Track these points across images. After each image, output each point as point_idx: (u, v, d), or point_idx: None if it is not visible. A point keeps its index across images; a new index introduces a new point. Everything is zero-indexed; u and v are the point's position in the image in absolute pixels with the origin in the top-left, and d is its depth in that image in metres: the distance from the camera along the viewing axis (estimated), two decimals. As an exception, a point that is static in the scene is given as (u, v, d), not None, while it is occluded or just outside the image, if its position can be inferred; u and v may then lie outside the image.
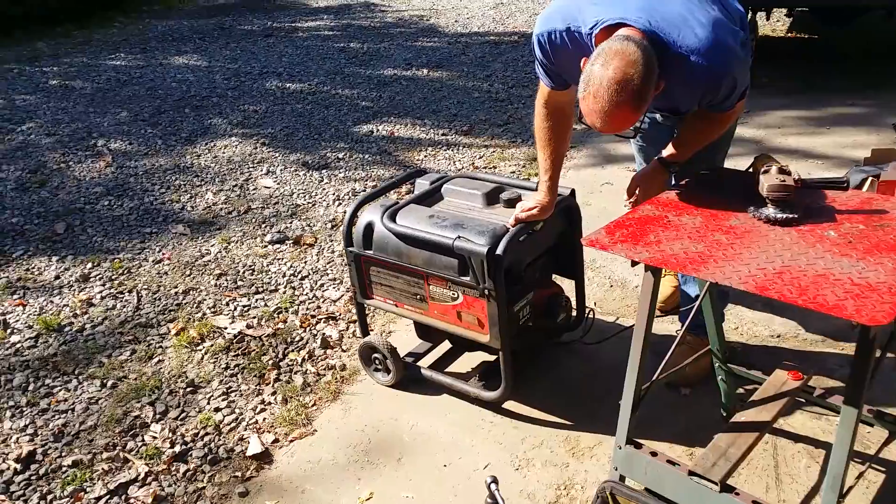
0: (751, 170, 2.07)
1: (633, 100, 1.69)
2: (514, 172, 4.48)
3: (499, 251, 2.27)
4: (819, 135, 4.54)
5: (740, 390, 2.43)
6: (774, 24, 7.06)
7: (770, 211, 1.75)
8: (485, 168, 4.58)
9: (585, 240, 1.76)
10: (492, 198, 2.61)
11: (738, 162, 4.13)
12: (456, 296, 2.44)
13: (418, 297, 2.55)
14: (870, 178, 3.45)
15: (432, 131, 5.23)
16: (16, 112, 5.69)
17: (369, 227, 2.57)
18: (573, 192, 2.61)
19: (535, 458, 2.37)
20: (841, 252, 1.60)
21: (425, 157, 4.82)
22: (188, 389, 2.82)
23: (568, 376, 2.72)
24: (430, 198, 2.69)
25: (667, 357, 2.02)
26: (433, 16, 9.06)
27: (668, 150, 2.24)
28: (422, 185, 2.78)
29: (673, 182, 2.52)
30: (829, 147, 4.34)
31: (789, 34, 6.72)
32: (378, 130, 5.29)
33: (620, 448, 1.95)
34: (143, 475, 2.43)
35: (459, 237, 2.33)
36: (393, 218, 2.52)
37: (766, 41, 6.67)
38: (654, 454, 1.90)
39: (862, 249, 1.61)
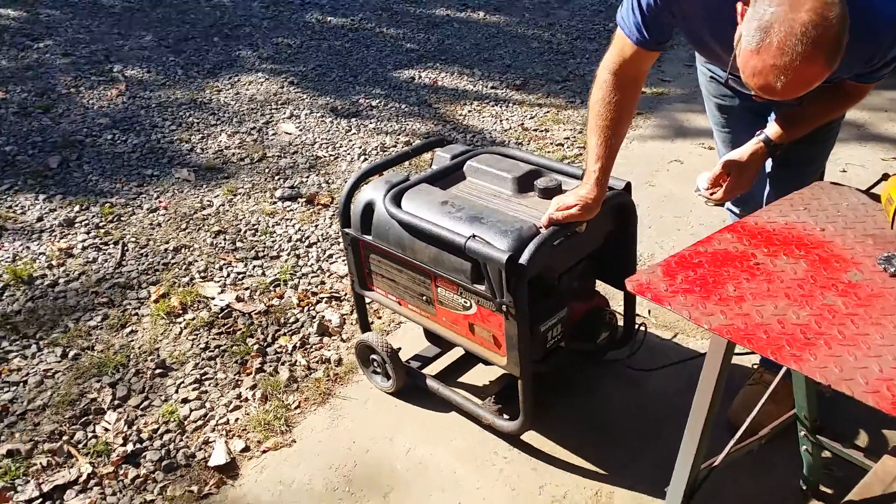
0: (876, 190, 1.52)
1: (829, 52, 1.26)
2: (567, 138, 3.92)
3: (523, 260, 1.77)
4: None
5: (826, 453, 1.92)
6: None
7: (911, 265, 1.21)
8: (535, 130, 4.03)
9: (632, 284, 1.25)
10: (524, 183, 2.10)
11: (835, 150, 3.52)
12: (469, 305, 1.96)
13: (424, 298, 2.08)
14: None
15: (481, 83, 4.66)
16: (36, 27, 5.28)
17: (369, 208, 2.09)
18: (628, 185, 2.08)
19: (551, 515, 1.92)
20: None
21: (469, 112, 4.28)
22: (157, 371, 2.43)
23: (605, 408, 2.24)
24: (449, 177, 2.19)
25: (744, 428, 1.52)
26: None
27: (775, 129, 1.77)
28: (441, 158, 2.28)
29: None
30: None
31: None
32: (420, 77, 4.75)
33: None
34: (84, 477, 2.07)
35: (474, 236, 1.83)
36: (397, 200, 2.03)
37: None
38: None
39: None
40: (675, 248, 2.93)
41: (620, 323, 2.30)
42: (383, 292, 2.21)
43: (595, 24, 5.68)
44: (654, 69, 4.79)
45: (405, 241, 1.99)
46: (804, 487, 1.91)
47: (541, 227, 1.86)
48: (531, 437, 2.13)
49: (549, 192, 2.03)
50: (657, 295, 1.20)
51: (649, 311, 2.60)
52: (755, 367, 2.29)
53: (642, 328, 2.38)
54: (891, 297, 1.18)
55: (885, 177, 1.47)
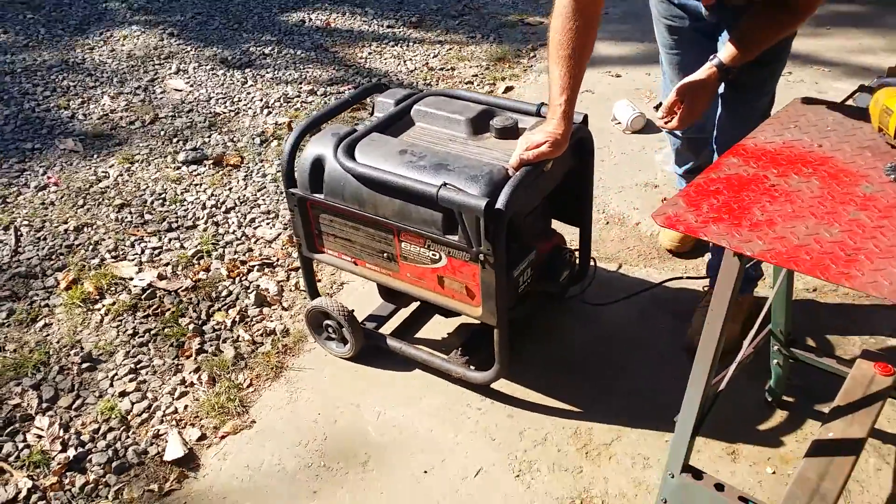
0: (852, 102, 1.52)
1: None
2: (475, 75, 3.82)
3: (500, 205, 1.69)
4: (820, 36, 4.01)
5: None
6: None
7: (921, 174, 1.22)
8: (441, 69, 3.90)
9: (660, 218, 1.19)
10: (479, 124, 2.00)
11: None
12: (438, 257, 1.86)
13: (385, 255, 1.96)
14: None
15: (375, 22, 4.46)
16: None
17: (318, 164, 1.92)
18: (586, 118, 2.02)
19: (540, 459, 1.89)
20: None
21: (370, 53, 4.08)
22: (84, 366, 2.19)
23: (569, 346, 2.22)
24: (397, 123, 2.05)
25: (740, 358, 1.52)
26: None
27: (728, 51, 1.75)
28: (384, 104, 2.13)
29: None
30: (833, 51, 3.83)
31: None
32: (311, 20, 4.48)
33: (673, 477, 1.48)
34: (24, 492, 1.84)
35: (445, 184, 1.72)
36: (350, 152, 1.88)
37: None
38: (719, 487, 1.44)
39: None
40: (602, 180, 2.92)
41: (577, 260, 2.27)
42: (335, 253, 2.06)
43: (481, -45, 5.54)
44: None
45: (364, 197, 1.85)
46: (769, 399, 1.97)
47: (510, 169, 1.77)
48: (501, 384, 2.08)
49: (507, 132, 1.94)
50: (689, 226, 1.15)
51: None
52: (705, 288, 2.33)
53: (592, 263, 2.36)
54: (911, 207, 1.18)
55: (862, 88, 1.48)
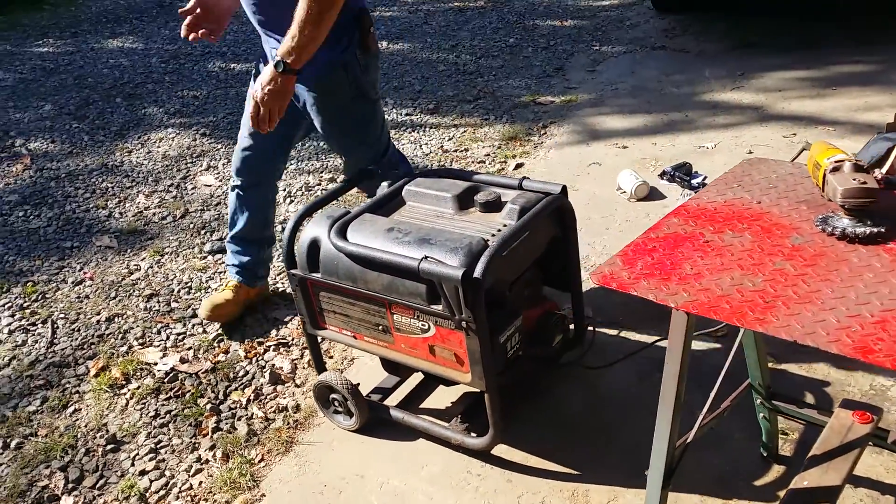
0: (798, 160, 1.60)
1: None
2: (488, 154, 3.98)
3: (477, 273, 1.79)
4: (825, 97, 4.08)
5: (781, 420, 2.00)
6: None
7: (846, 223, 1.28)
8: (455, 151, 4.08)
9: (597, 276, 1.28)
10: (465, 200, 2.12)
11: (739, 133, 3.67)
12: (427, 327, 1.96)
13: (380, 327, 2.06)
14: (896, 148, 3.02)
15: (395, 111, 4.70)
16: (-76, 109, 5.05)
17: (314, 245, 2.07)
18: (564, 189, 2.13)
19: (535, 523, 1.92)
20: (958, 282, 1.14)
21: (388, 141, 4.29)
22: (109, 447, 2.32)
23: (568, 409, 2.26)
24: (389, 204, 2.19)
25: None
26: (391, -17, 8.44)
27: (284, 45, 2.03)
28: (379, 187, 2.28)
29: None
30: (839, 111, 3.89)
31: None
32: (334, 113, 4.74)
33: (648, 532, 1.51)
34: (47, 571, 1.95)
35: (426, 257, 1.84)
36: (342, 233, 2.02)
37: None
38: (693, 541, 1.46)
39: None
40: (606, 248, 3.00)
41: (571, 325, 2.33)
42: (337, 328, 2.18)
43: (496, 41, 5.81)
44: (559, 78, 4.95)
45: (356, 273, 1.97)
46: (765, 454, 1.98)
47: (488, 239, 1.88)
48: (501, 450, 2.13)
49: (491, 206, 2.06)
50: (621, 283, 1.23)
51: (592, 311, 2.65)
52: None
53: (590, 327, 2.42)
54: (832, 255, 1.24)
55: (808, 145, 1.55)
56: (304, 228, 2.12)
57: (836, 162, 1.31)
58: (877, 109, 3.78)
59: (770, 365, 2.26)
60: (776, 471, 1.95)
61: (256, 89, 2.10)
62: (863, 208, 1.26)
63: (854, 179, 1.26)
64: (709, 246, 1.31)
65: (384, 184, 2.27)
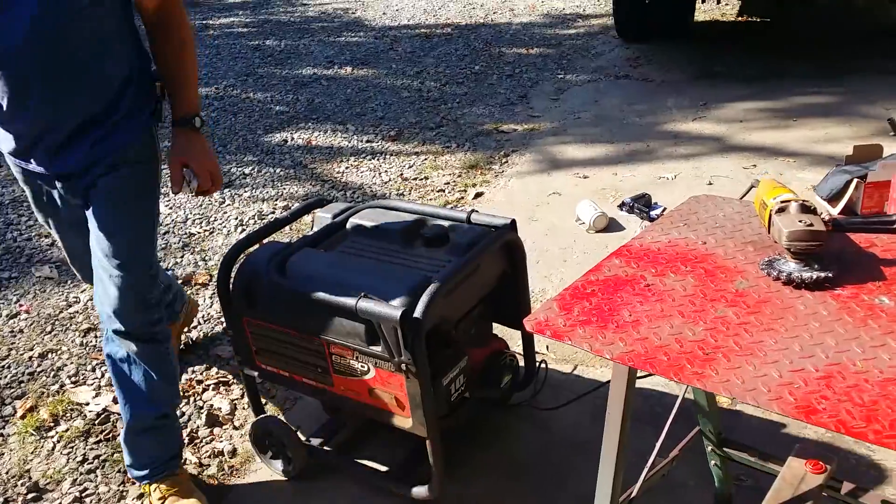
0: (747, 198, 1.53)
1: None
2: (448, 183, 3.91)
3: (417, 314, 1.69)
4: (786, 128, 4.07)
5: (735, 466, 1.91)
6: (724, 7, 6.63)
7: (792, 267, 1.21)
8: (415, 179, 4.00)
9: (531, 323, 1.18)
10: (410, 235, 2.03)
11: (699, 163, 3.64)
12: (366, 369, 1.85)
13: (319, 369, 1.95)
14: (855, 180, 3.00)
15: (355, 138, 4.61)
16: None
17: (252, 280, 1.96)
18: (513, 223, 2.04)
19: (479, 578, 1.80)
20: (908, 333, 1.07)
21: (347, 168, 4.20)
22: (30, 497, 2.16)
23: (519, 453, 2.16)
24: (332, 237, 2.09)
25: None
26: (359, 8, 8.41)
27: (191, 99, 1.87)
28: (322, 219, 2.18)
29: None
30: (799, 142, 3.87)
31: (739, 18, 6.29)
32: (293, 139, 4.65)
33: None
34: None
35: (364, 295, 1.74)
36: (281, 268, 1.92)
37: (715, 26, 6.24)
38: None
39: (938, 327, 1.08)
40: (563, 281, 2.92)
41: (521, 363, 2.24)
42: (274, 368, 2.06)
43: (462, 68, 5.78)
44: (523, 106, 4.91)
45: (294, 312, 1.87)
46: (717, 503, 1.89)
47: (432, 276, 1.79)
48: (450, 496, 2.02)
49: (435, 241, 1.97)
50: (556, 331, 1.14)
51: (547, 347, 2.56)
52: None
53: (542, 365, 2.33)
54: (777, 301, 1.16)
55: (757, 183, 1.49)
56: (241, 262, 2.01)
57: (782, 202, 1.24)
58: (837, 141, 3.78)
59: (726, 405, 2.19)
60: (731, 520, 1.86)
61: (201, 169, 1.87)
62: (810, 252, 1.19)
63: (800, 221, 1.19)
64: (649, 290, 1.23)
65: (326, 215, 2.17)
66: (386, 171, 4.13)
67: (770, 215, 1.25)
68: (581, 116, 4.59)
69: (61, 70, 1.67)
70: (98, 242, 1.84)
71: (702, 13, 6.44)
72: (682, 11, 5.82)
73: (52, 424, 2.42)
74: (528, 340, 2.22)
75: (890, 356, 1.02)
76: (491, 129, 4.58)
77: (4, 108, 1.71)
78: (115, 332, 1.88)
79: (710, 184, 3.55)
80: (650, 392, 2.30)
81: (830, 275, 1.18)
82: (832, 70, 4.80)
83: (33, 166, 1.84)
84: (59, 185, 1.89)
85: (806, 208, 1.22)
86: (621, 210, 3.38)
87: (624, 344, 1.10)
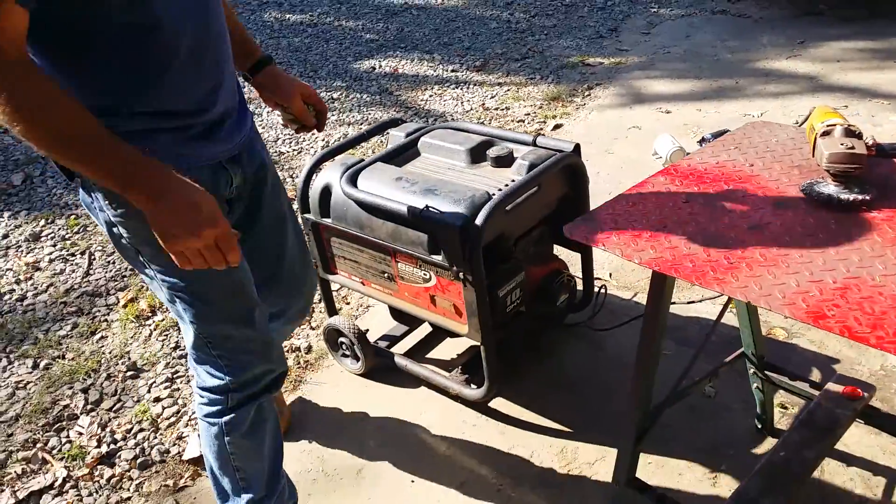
0: (803, 125, 1.55)
1: None
2: (528, 114, 3.94)
3: (476, 224, 1.80)
4: (884, 69, 3.88)
5: (782, 395, 1.97)
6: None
7: (831, 189, 1.24)
8: (496, 109, 4.05)
9: (569, 230, 1.28)
10: (477, 154, 2.12)
11: (788, 102, 3.54)
12: (428, 277, 1.98)
13: (386, 275, 2.10)
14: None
15: (441, 67, 4.68)
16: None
17: (326, 191, 2.10)
18: (577, 147, 2.10)
19: (524, 475, 1.94)
20: (935, 255, 1.10)
21: (431, 96, 4.29)
22: (129, 374, 2.44)
23: (570, 369, 2.27)
24: (403, 154, 2.20)
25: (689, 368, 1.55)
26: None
27: (256, 47, 1.60)
28: (395, 137, 2.30)
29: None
30: (893, 84, 3.70)
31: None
32: (381, 66, 4.76)
33: (617, 485, 1.52)
34: (59, 481, 2.07)
35: (428, 207, 1.85)
36: (353, 180, 2.05)
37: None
38: (661, 500, 1.46)
39: (967, 251, 1.11)
40: (637, 211, 2.95)
41: (580, 286, 2.32)
42: (346, 274, 2.22)
43: (553, 0, 5.70)
44: (612, 39, 4.84)
45: (363, 220, 2.01)
46: (759, 426, 1.95)
47: (494, 192, 1.88)
48: (499, 403, 2.16)
49: (502, 161, 2.06)
50: (592, 237, 1.23)
51: (610, 274, 2.63)
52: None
53: (602, 290, 2.41)
54: (811, 220, 1.21)
55: (815, 110, 1.50)
56: (318, 174, 2.15)
57: (828, 126, 1.27)
58: (936, 85, 3.59)
59: (782, 338, 2.22)
60: (769, 443, 1.92)
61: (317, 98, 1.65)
62: (850, 174, 1.22)
63: (842, 144, 1.22)
64: (688, 206, 1.29)
65: (399, 134, 2.28)
66: (469, 101, 4.19)
67: (815, 138, 1.28)
68: (671, 51, 4.49)
69: None
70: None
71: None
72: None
73: (149, 315, 2.68)
74: (587, 263, 2.29)
75: (911, 274, 1.06)
76: (577, 61, 4.55)
77: None
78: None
79: (797, 123, 3.45)
80: (707, 321, 2.35)
81: (868, 197, 1.21)
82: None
83: None
84: None
85: (850, 132, 1.25)
86: (700, 146, 3.33)
87: (654, 251, 1.18)
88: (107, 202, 1.30)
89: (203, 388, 1.60)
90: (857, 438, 1.89)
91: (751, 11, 4.97)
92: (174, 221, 1.16)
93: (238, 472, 1.65)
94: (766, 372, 1.74)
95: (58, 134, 1.11)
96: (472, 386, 2.13)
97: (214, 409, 1.59)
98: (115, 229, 1.35)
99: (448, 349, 2.38)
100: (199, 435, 2.17)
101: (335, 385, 2.33)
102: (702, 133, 3.45)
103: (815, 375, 2.09)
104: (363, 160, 2.15)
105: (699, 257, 1.15)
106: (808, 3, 4.89)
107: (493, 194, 1.90)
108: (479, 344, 1.97)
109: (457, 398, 2.18)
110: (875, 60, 4.01)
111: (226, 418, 1.59)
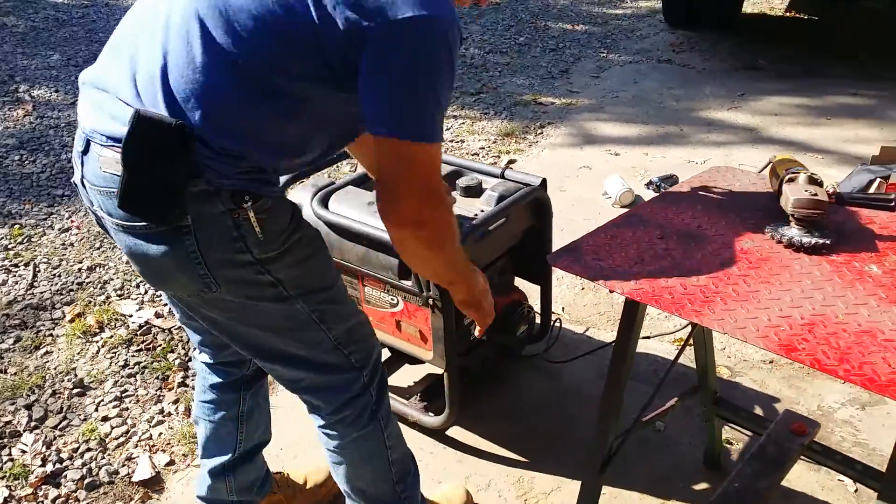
0: (763, 172, 1.65)
1: None
2: (483, 148, 4.03)
3: (447, 253, 1.83)
4: (819, 126, 4.14)
5: (727, 430, 2.05)
6: (772, 0, 6.63)
7: (794, 233, 1.33)
8: (451, 141, 4.12)
9: (551, 258, 1.33)
10: (447, 183, 2.16)
11: (729, 151, 3.72)
12: (395, 302, 2.01)
13: (351, 299, 2.10)
14: (878, 180, 3.07)
15: (397, 97, 4.73)
16: (-68, 48, 5.08)
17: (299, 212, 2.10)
18: (544, 182, 2.17)
19: None
20: (890, 297, 1.19)
21: (386, 125, 4.33)
22: (75, 391, 2.36)
23: (526, 399, 2.31)
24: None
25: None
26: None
27: None
28: (365, 162, 2.32)
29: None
30: (829, 140, 3.94)
31: (787, 13, 6.28)
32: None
33: (581, 514, 1.56)
34: (1, 500, 1.99)
35: (400, 232, 1.88)
36: (324, 202, 2.07)
37: (762, 19, 6.25)
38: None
39: (918, 294, 1.21)
40: (589, 247, 3.05)
41: (538, 319, 2.38)
42: (308, 296, 2.22)
43: (507, 38, 5.85)
44: (563, 80, 5.00)
45: (333, 242, 2.02)
46: (707, 460, 2.02)
47: (463, 220, 1.93)
48: (456, 431, 2.18)
49: (471, 191, 2.11)
50: (572, 267, 1.28)
51: (563, 308, 2.70)
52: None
53: (557, 323, 2.48)
54: (777, 261, 1.29)
55: (774, 159, 1.60)
56: (289, 194, 2.16)
57: (792, 173, 1.36)
58: (866, 142, 3.84)
59: (726, 376, 2.32)
60: (717, 477, 2.00)
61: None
62: (812, 219, 1.31)
63: (806, 191, 1.31)
64: (662, 241, 1.36)
65: (370, 160, 2.31)
66: (424, 131, 4.24)
67: (780, 184, 1.37)
68: (619, 96, 4.67)
69: None
70: None
71: (751, 5, 6.43)
72: (731, 1, 5.83)
73: (97, 331, 2.61)
74: (545, 297, 2.35)
75: (869, 313, 1.15)
76: (529, 100, 4.68)
77: None
78: None
79: (759, 170, 3.63)
80: (655, 357, 2.44)
81: (828, 242, 1.30)
82: (872, 73, 4.82)
83: None
84: None
85: (813, 180, 1.34)
86: (648, 188, 3.48)
87: (634, 282, 1.24)
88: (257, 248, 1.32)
89: (342, 407, 1.53)
90: (798, 474, 1.98)
91: (694, 62, 5.21)
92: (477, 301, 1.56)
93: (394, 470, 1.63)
94: (716, 407, 1.82)
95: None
96: (430, 414, 2.15)
97: (364, 414, 1.54)
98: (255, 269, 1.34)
99: (405, 376, 2.39)
100: (149, 456, 2.12)
101: (290, 409, 2.30)
102: (649, 176, 3.60)
103: (759, 412, 2.19)
104: (335, 182, 2.17)
105: (677, 290, 1.21)
106: (748, 57, 5.17)
107: (464, 223, 1.94)
108: (441, 371, 2.00)
109: (415, 425, 2.19)
110: (810, 116, 4.26)
111: (379, 413, 1.56)
